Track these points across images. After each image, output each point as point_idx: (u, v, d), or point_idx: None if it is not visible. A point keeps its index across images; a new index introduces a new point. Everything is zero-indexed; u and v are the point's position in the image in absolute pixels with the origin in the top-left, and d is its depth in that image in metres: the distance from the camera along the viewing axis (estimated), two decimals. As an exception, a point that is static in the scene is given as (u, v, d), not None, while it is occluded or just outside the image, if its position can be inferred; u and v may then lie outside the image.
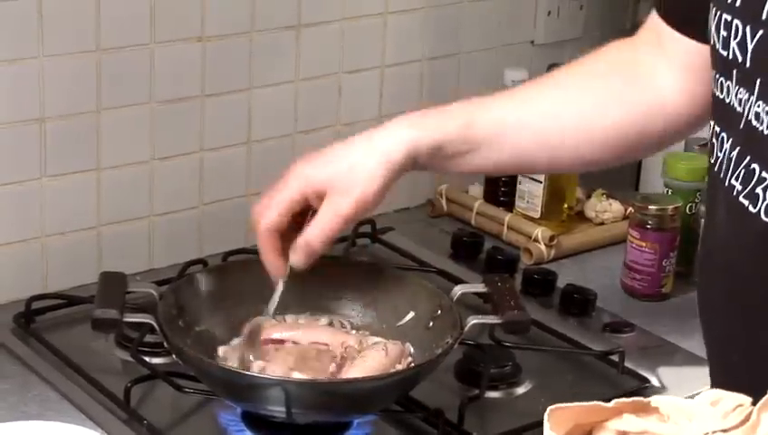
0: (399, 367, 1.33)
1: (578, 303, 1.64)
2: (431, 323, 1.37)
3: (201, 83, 1.68)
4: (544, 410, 1.38)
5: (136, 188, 1.66)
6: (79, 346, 1.49)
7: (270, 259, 1.31)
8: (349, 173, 1.27)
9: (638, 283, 1.69)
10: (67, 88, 1.57)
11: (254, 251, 1.64)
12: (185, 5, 1.64)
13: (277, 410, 1.25)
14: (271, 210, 1.30)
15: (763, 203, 1.05)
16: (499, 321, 1.34)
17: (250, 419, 1.31)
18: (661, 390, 1.48)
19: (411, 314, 1.40)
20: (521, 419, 1.39)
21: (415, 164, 1.29)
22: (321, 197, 1.27)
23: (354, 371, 1.31)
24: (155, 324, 1.31)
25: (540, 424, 1.36)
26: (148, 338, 1.42)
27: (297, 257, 1.30)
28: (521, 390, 1.47)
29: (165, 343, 1.32)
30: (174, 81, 1.66)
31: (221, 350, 1.36)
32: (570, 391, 1.47)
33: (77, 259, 1.63)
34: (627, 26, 2.10)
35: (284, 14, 1.73)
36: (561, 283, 1.68)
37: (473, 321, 1.33)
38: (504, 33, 1.95)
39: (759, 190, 1.05)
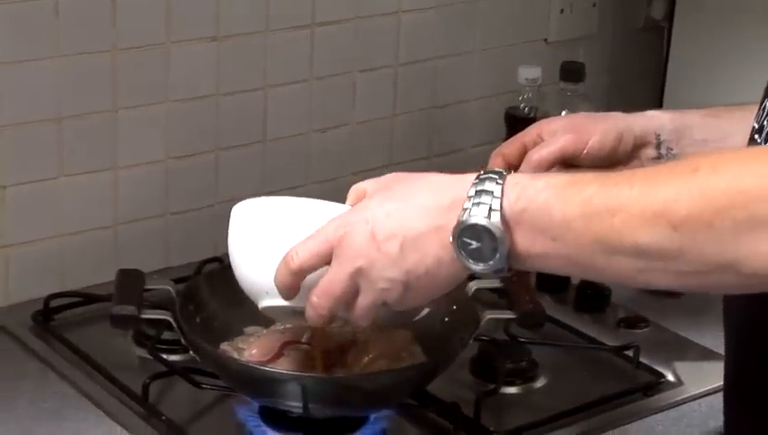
0: (405, 355, 1.34)
1: (592, 298, 1.65)
2: (447, 319, 1.38)
3: (216, 82, 1.69)
4: (561, 405, 1.40)
5: (152, 186, 1.67)
6: (97, 343, 1.49)
7: None
8: (581, 120, 1.32)
9: (652, 279, 1.69)
10: (83, 87, 1.58)
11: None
12: (200, 5, 1.65)
13: (294, 404, 1.26)
14: (506, 142, 1.35)
15: None
16: (514, 316, 1.35)
17: (267, 414, 1.32)
18: (677, 384, 1.48)
19: (426, 310, 1.40)
20: (537, 413, 1.39)
21: (659, 142, 1.30)
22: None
23: (362, 359, 1.32)
24: (173, 321, 1.32)
25: (556, 419, 1.38)
26: (166, 335, 1.43)
27: None
28: (537, 385, 1.47)
29: (183, 340, 1.32)
30: (189, 80, 1.66)
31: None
32: (585, 386, 1.48)
33: (94, 257, 1.64)
34: (640, 24, 2.11)
35: (298, 13, 1.74)
36: (575, 279, 1.68)
37: (489, 316, 1.34)
38: (517, 31, 1.96)
39: None
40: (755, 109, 1.26)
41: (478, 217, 1.00)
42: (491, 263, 1.01)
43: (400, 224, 1.04)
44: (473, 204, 1.01)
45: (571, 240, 0.98)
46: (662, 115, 1.33)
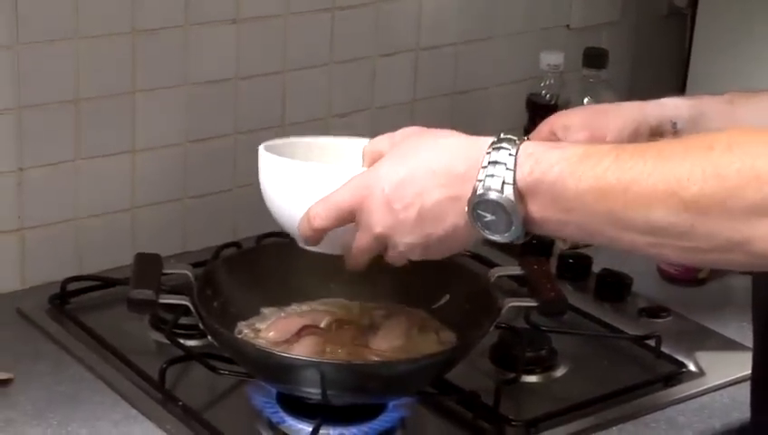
0: (420, 340, 1.34)
1: (614, 287, 1.63)
2: (467, 306, 1.37)
3: (236, 66, 1.67)
4: (581, 395, 1.39)
5: (170, 170, 1.66)
6: (114, 328, 1.49)
7: None
8: (595, 114, 1.32)
9: (674, 268, 1.68)
10: (102, 69, 1.57)
11: (287, 234, 1.64)
12: (220, -13, 1.64)
13: (312, 391, 1.25)
14: None
15: None
16: (536, 303, 1.33)
17: (285, 400, 1.31)
18: (698, 375, 1.47)
19: (447, 297, 1.40)
20: (557, 402, 1.38)
21: (675, 130, 1.30)
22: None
23: (380, 341, 1.33)
24: (190, 306, 1.30)
25: (576, 408, 1.37)
26: (183, 320, 1.42)
27: None
28: (557, 374, 1.46)
29: (200, 325, 1.31)
30: (208, 63, 1.65)
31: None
32: (606, 376, 1.46)
33: (112, 241, 1.63)
34: (663, 11, 2.09)
35: (319, -3, 1.72)
36: (596, 267, 1.67)
37: (510, 304, 1.33)
38: (539, 17, 1.94)
39: None
40: None
41: (492, 191, 1.02)
42: (506, 234, 1.04)
43: (416, 192, 1.07)
44: (486, 175, 1.03)
45: (585, 213, 0.99)
46: (680, 103, 1.32)
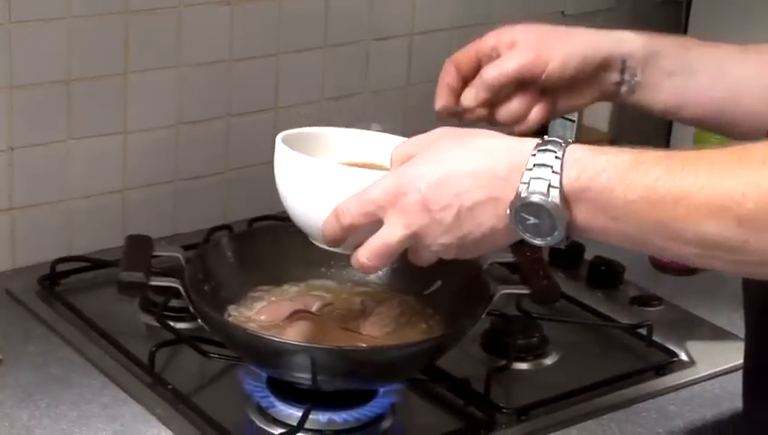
0: (411, 326, 1.33)
1: (606, 275, 1.63)
2: (459, 293, 1.36)
3: (229, 48, 1.66)
4: (572, 383, 1.38)
5: (162, 152, 1.65)
6: (103, 310, 1.48)
7: (438, 88, 1.33)
8: (544, 35, 1.27)
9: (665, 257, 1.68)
10: (94, 50, 1.56)
11: (279, 217, 1.64)
12: (214, -31, 1.63)
13: (303, 376, 1.25)
14: (461, 50, 1.31)
15: None
16: (528, 291, 1.33)
17: (275, 385, 1.31)
18: (689, 364, 1.47)
19: (439, 283, 1.39)
20: (547, 390, 1.38)
21: (624, 67, 1.27)
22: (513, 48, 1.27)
23: (371, 327, 1.33)
24: (181, 289, 1.30)
25: (567, 396, 1.37)
26: (173, 302, 1.42)
27: (467, 92, 1.30)
28: (548, 361, 1.46)
29: (191, 308, 1.31)
30: (202, 45, 1.64)
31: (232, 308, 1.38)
32: (597, 364, 1.46)
33: (102, 222, 1.62)
34: (658, -2, 2.09)
35: (314, -20, 1.72)
36: (588, 255, 1.66)
37: (502, 291, 1.32)
38: (534, 3, 1.93)
39: None
40: (727, 47, 1.25)
41: (537, 194, 1.00)
42: (548, 238, 1.02)
43: (455, 193, 1.04)
44: (531, 178, 1.00)
45: (632, 222, 0.98)
46: (635, 39, 1.28)
